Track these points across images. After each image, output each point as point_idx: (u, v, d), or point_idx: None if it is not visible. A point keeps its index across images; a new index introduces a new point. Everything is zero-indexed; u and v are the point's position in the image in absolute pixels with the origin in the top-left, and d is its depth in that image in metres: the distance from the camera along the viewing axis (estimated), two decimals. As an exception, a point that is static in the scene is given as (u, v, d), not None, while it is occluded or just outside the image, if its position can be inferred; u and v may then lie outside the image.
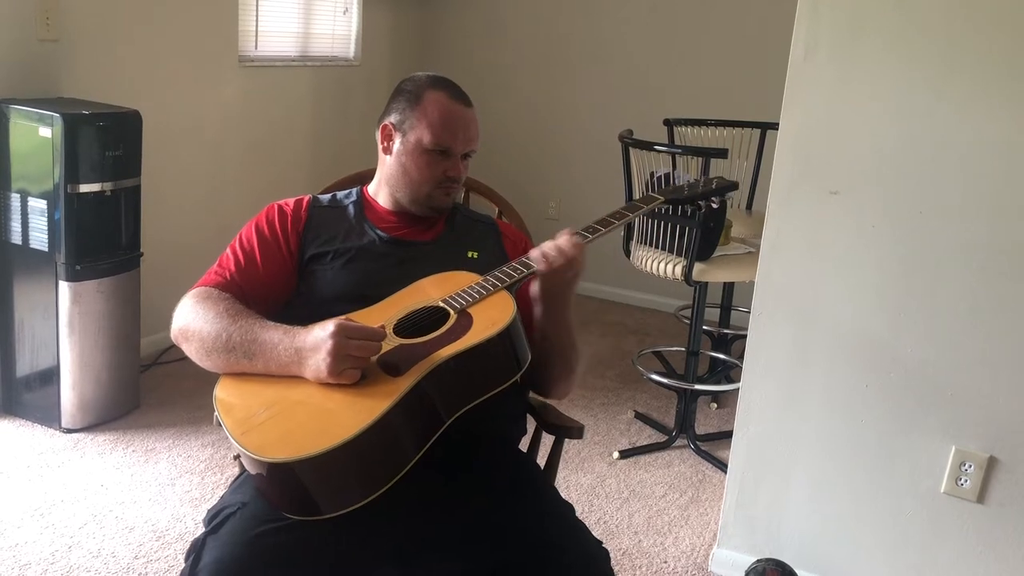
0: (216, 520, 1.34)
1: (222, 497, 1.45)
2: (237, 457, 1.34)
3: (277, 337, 1.39)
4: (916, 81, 1.96)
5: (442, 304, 1.46)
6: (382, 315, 1.47)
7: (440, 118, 1.61)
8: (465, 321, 1.40)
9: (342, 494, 1.25)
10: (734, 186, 1.90)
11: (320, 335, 1.33)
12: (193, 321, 1.47)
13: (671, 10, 4.40)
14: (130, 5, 3.24)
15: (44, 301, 2.84)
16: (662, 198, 1.78)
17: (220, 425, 1.34)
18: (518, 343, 1.40)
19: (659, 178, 2.92)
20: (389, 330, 1.43)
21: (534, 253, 1.49)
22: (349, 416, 1.26)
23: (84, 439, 2.86)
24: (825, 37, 2.01)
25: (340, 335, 1.31)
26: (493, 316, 1.39)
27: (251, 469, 1.32)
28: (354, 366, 1.32)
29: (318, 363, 1.32)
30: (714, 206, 1.82)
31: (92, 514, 2.44)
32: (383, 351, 1.37)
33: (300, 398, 1.33)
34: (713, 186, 1.86)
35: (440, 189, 1.63)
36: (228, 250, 1.61)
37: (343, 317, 1.37)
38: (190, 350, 1.47)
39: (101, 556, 2.26)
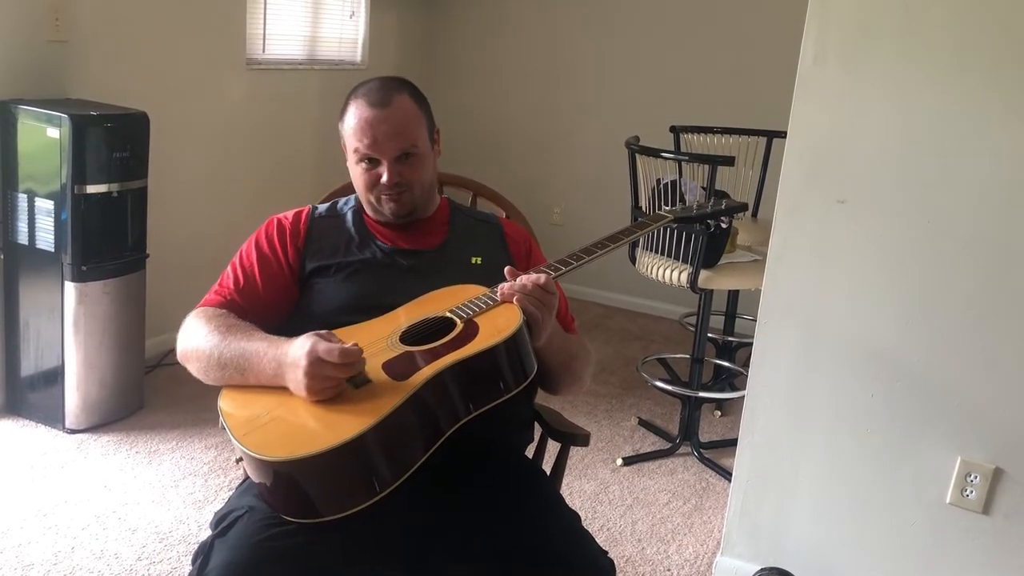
0: (223, 523, 1.34)
1: (228, 500, 1.45)
2: (240, 460, 1.34)
3: (263, 349, 1.39)
4: (924, 90, 1.96)
5: (449, 314, 1.45)
6: (389, 325, 1.47)
7: (356, 125, 1.56)
8: (471, 330, 1.40)
9: (342, 497, 1.25)
10: (743, 207, 1.90)
11: (297, 353, 1.32)
12: (191, 342, 1.48)
13: (678, 17, 4.40)
14: (139, 7, 3.25)
15: (50, 301, 2.84)
16: (671, 216, 1.77)
17: (225, 429, 1.34)
18: (524, 352, 1.39)
19: (665, 185, 2.92)
20: (396, 338, 1.43)
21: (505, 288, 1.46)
22: (352, 418, 1.26)
23: (88, 440, 2.86)
24: (833, 45, 2.01)
25: (313, 357, 1.30)
26: (499, 324, 1.39)
27: (253, 472, 1.31)
28: (330, 386, 1.31)
29: (297, 380, 1.32)
30: (723, 226, 1.82)
31: (95, 515, 2.44)
32: (389, 357, 1.37)
33: (303, 402, 1.33)
34: (722, 206, 1.87)
35: (385, 196, 1.60)
36: (229, 268, 1.61)
37: (325, 331, 1.35)
38: (193, 371, 1.49)
39: (104, 557, 2.26)
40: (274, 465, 1.25)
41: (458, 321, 1.43)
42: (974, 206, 1.95)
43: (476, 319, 1.43)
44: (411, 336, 1.44)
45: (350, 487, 1.25)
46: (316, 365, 1.30)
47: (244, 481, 1.47)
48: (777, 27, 3.90)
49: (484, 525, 1.38)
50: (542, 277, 1.45)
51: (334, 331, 1.47)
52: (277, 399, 1.35)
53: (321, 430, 1.26)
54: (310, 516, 1.26)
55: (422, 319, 1.46)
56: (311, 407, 1.32)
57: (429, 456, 1.30)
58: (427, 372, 1.32)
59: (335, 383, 1.31)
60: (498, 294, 1.45)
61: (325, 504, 1.26)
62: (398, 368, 1.35)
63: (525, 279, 1.45)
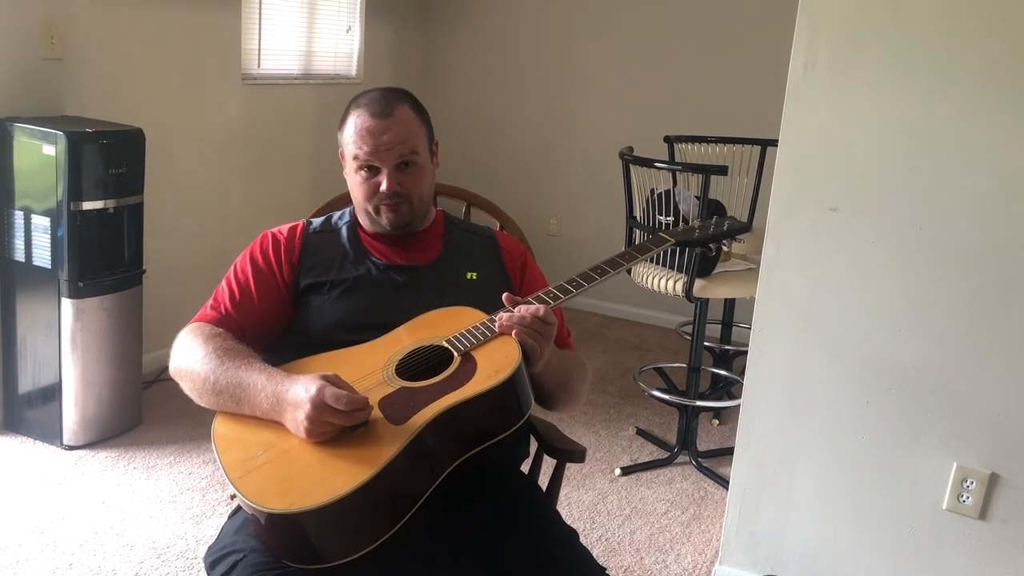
0: (220, 566, 1.32)
1: (223, 531, 1.43)
2: (233, 496, 1.32)
3: (260, 382, 1.37)
4: (915, 97, 1.97)
5: (445, 344, 1.43)
6: (384, 352, 1.45)
7: (355, 133, 1.56)
8: (468, 366, 1.38)
9: (341, 545, 1.24)
10: (745, 228, 1.88)
11: (301, 395, 1.30)
12: (185, 362, 1.46)
13: (672, 27, 4.43)
14: (134, 24, 3.27)
15: (47, 318, 2.84)
16: (672, 240, 1.76)
17: (218, 463, 1.33)
18: (521, 391, 1.37)
19: (659, 195, 2.94)
20: (392, 370, 1.41)
21: (504, 319, 1.43)
22: (349, 466, 1.24)
23: (85, 456, 2.86)
24: (824, 54, 2.03)
25: (320, 402, 1.27)
26: (497, 363, 1.36)
27: (249, 511, 1.30)
28: (331, 431, 1.29)
29: (296, 421, 1.30)
30: (724, 248, 1.80)
31: (93, 531, 2.44)
32: (385, 394, 1.35)
33: (299, 441, 1.31)
34: (724, 228, 1.84)
35: (384, 206, 1.58)
36: (223, 283, 1.59)
37: (332, 375, 1.32)
38: (186, 390, 1.47)
39: (102, 573, 2.26)
40: (271, 516, 1.24)
41: (455, 354, 1.41)
42: (966, 213, 1.96)
43: (473, 352, 1.41)
44: (407, 367, 1.42)
45: (350, 535, 1.24)
46: (320, 411, 1.27)
47: (239, 508, 1.45)
48: (770, 36, 3.91)
49: (482, 547, 1.37)
50: (541, 309, 1.43)
51: (329, 352, 1.47)
52: (273, 435, 1.33)
53: (319, 479, 1.24)
54: (310, 562, 1.25)
55: (418, 347, 1.45)
56: (308, 449, 1.30)
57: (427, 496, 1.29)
58: (424, 416, 1.30)
59: (335, 429, 1.29)
60: (496, 324, 1.43)
61: (324, 552, 1.24)
62: (395, 408, 1.33)
63: (524, 311, 1.43)
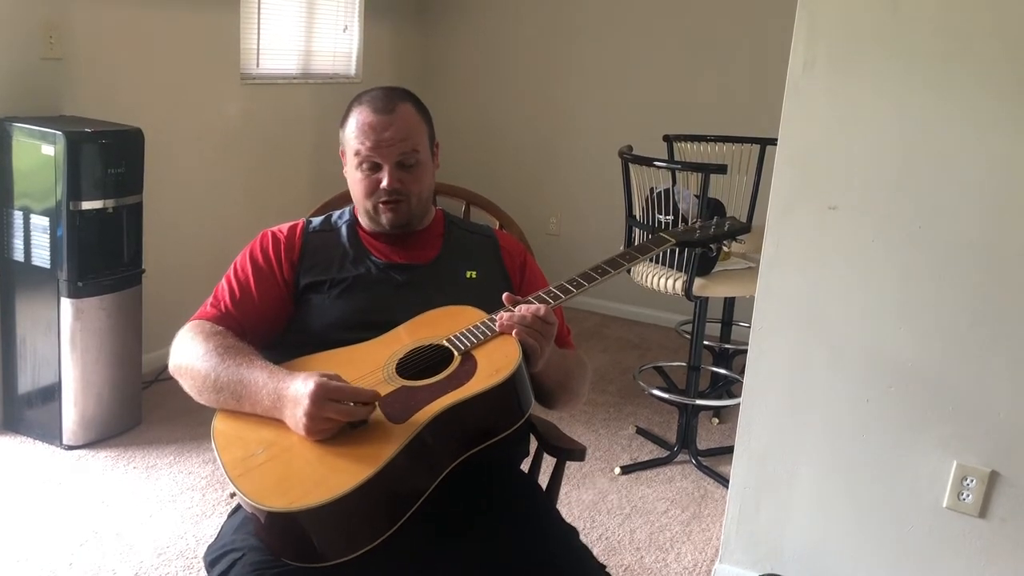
0: (220, 565, 1.32)
1: (222, 530, 1.43)
2: (233, 495, 1.32)
3: (262, 380, 1.37)
4: (914, 95, 1.97)
5: (446, 344, 1.43)
6: (384, 351, 1.45)
7: (357, 130, 1.56)
8: (469, 365, 1.38)
9: (342, 543, 1.24)
10: (745, 228, 1.88)
11: (301, 391, 1.30)
12: (185, 359, 1.46)
13: (671, 26, 4.43)
14: (133, 24, 3.27)
15: (46, 318, 2.84)
16: (673, 240, 1.76)
17: (217, 461, 1.33)
18: (522, 390, 1.38)
19: (659, 194, 2.93)
20: (392, 369, 1.41)
21: (504, 319, 1.43)
22: (349, 465, 1.24)
23: (85, 456, 2.86)
24: (823, 52, 2.02)
25: (319, 397, 1.28)
26: (497, 362, 1.36)
27: (248, 510, 1.30)
28: (331, 427, 1.29)
29: (296, 417, 1.30)
30: (724, 248, 1.79)
31: (93, 531, 2.44)
32: (386, 393, 1.35)
33: (299, 439, 1.31)
34: (725, 228, 1.84)
35: (383, 204, 1.58)
36: (223, 281, 1.59)
37: (331, 373, 1.32)
38: (186, 387, 1.47)
39: (102, 573, 2.26)
40: (271, 515, 1.24)
41: (455, 353, 1.41)
42: (965, 210, 1.96)
43: (474, 352, 1.41)
44: (407, 366, 1.42)
45: (349, 534, 1.24)
46: (319, 407, 1.28)
47: (238, 507, 1.45)
48: (769, 34, 3.92)
49: (481, 546, 1.37)
50: (541, 308, 1.43)
51: (329, 351, 1.47)
52: (273, 433, 1.33)
53: (319, 478, 1.24)
54: (309, 560, 1.25)
55: (418, 346, 1.45)
56: (308, 447, 1.30)
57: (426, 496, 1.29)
58: (425, 415, 1.30)
59: (335, 426, 1.29)
60: (496, 324, 1.43)
61: (324, 551, 1.24)
62: (395, 407, 1.33)
63: (524, 310, 1.42)
